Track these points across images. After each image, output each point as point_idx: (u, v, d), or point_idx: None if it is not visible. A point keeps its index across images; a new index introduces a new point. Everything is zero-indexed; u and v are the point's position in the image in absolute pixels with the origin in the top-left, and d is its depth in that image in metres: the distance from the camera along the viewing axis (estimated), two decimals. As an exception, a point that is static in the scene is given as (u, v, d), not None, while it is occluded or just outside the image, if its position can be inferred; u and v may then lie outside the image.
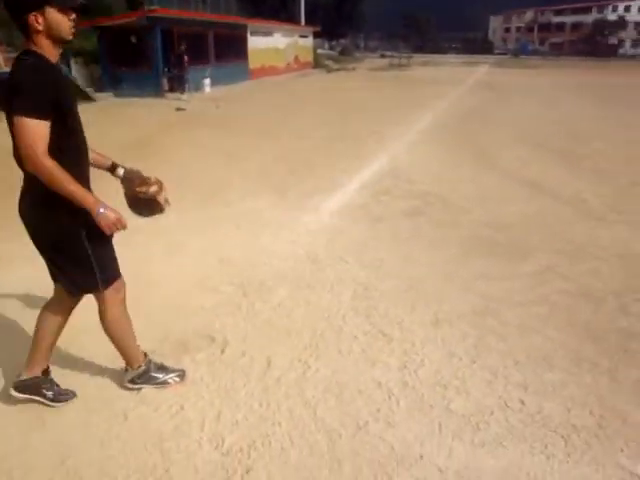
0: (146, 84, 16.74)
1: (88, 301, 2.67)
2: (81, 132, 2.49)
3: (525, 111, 14.45)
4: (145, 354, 2.95)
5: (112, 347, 2.81)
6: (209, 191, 6.77)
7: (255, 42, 24.59)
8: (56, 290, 2.70)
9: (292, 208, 6.02)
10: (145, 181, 2.76)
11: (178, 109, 14.11)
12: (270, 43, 26.74)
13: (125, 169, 2.80)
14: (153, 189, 2.75)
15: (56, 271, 2.58)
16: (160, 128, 11.52)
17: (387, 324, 3.56)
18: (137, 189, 2.74)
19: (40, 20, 2.27)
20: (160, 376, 2.94)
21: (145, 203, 2.78)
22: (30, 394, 2.77)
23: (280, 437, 2.58)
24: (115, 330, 2.74)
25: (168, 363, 3.05)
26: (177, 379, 2.98)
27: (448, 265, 4.50)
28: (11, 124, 2.22)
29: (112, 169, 2.77)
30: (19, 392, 2.77)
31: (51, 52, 2.36)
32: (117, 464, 2.45)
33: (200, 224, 5.54)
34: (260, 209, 6.00)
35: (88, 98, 15.32)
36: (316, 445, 2.53)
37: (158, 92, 16.91)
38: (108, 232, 2.41)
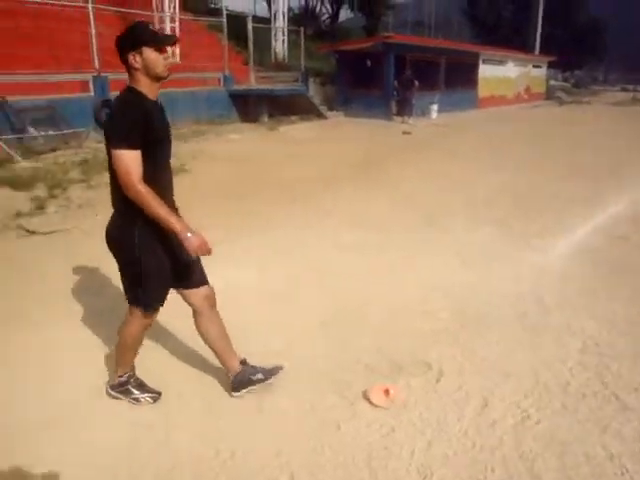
0: (375, 106, 17.44)
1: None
2: (167, 164, 2.71)
3: None
4: (132, 368, 3.06)
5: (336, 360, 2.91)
6: (430, 214, 6.78)
7: (486, 70, 24.17)
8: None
9: (516, 244, 5.73)
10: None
11: (404, 132, 14.43)
12: (501, 72, 26.06)
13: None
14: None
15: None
16: (387, 149, 11.89)
17: (622, 388, 3.17)
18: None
19: (138, 59, 2.53)
20: (136, 392, 3.03)
21: None
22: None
23: (493, 485, 2.44)
24: (126, 339, 2.93)
25: (380, 378, 3.10)
26: (150, 400, 3.02)
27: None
28: (109, 155, 2.49)
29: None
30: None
31: (149, 88, 2.59)
32: (325, 472, 2.52)
33: (419, 246, 5.57)
34: (482, 240, 5.82)
35: (321, 115, 16.43)
36: (533, 504, 2.35)
37: (386, 115, 17.49)
38: (194, 255, 2.58)
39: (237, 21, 17.76)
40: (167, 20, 15.37)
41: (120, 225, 2.68)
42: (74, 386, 3.17)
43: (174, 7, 15.73)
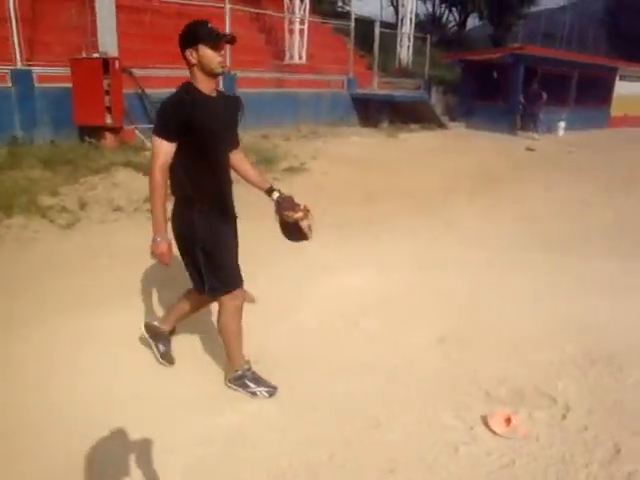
0: (499, 119, 16.84)
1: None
2: (216, 156, 2.85)
3: None
4: (248, 362, 3.14)
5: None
6: (551, 237, 6.45)
7: (622, 87, 22.59)
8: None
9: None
10: (293, 207, 3.00)
11: (528, 149, 13.84)
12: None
13: (280, 194, 3.06)
14: (298, 215, 2.99)
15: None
16: (510, 164, 11.46)
17: None
18: (284, 212, 2.99)
19: (194, 55, 2.73)
20: (252, 386, 3.10)
21: (291, 227, 3.04)
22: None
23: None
24: (224, 333, 3.03)
25: (501, 406, 2.98)
26: (266, 394, 3.08)
27: None
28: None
29: (269, 192, 3.10)
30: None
31: (204, 83, 2.77)
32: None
33: (541, 270, 5.31)
34: (609, 272, 5.41)
35: (442, 125, 16.13)
36: None
37: (510, 129, 16.86)
38: (152, 257, 2.76)
39: (363, 25, 17.84)
40: (297, 22, 15.72)
41: (179, 213, 2.86)
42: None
43: (304, 9, 16.06)
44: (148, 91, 10.72)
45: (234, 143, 3.07)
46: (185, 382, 3.23)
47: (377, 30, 16.99)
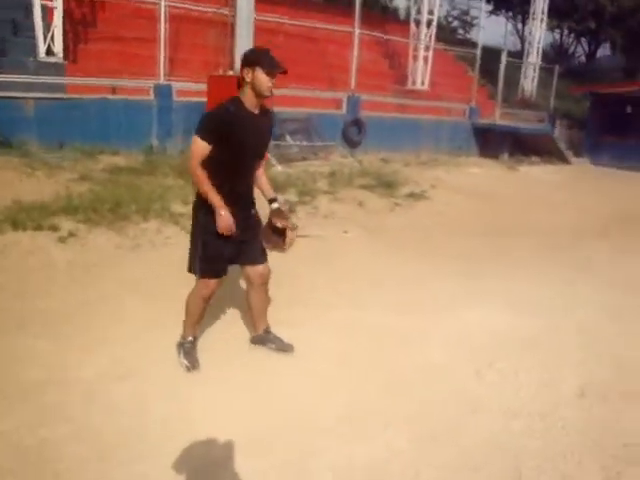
0: (629, 156, 15.78)
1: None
2: (238, 167, 3.22)
3: None
4: (193, 337, 3.47)
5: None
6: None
7: None
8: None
9: None
10: (285, 219, 3.36)
11: (664, 190, 12.86)
12: None
13: (279, 204, 3.42)
14: (287, 225, 3.33)
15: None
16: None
17: None
18: (273, 219, 3.33)
19: (250, 75, 3.09)
20: (181, 356, 3.41)
21: (274, 234, 3.36)
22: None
23: None
24: (186, 306, 3.40)
25: None
26: (185, 367, 3.36)
27: None
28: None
29: (270, 201, 3.43)
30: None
31: (251, 101, 3.16)
32: None
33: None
34: None
35: (565, 160, 15.40)
36: None
37: (642, 167, 15.78)
38: (220, 230, 3.13)
39: (485, 53, 17.47)
40: (421, 48, 15.68)
41: (193, 207, 3.33)
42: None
43: (430, 36, 16.02)
44: (275, 109, 11.05)
45: (262, 155, 3.44)
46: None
47: (504, 59, 16.57)
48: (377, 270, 5.66)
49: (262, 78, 3.09)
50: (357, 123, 12.48)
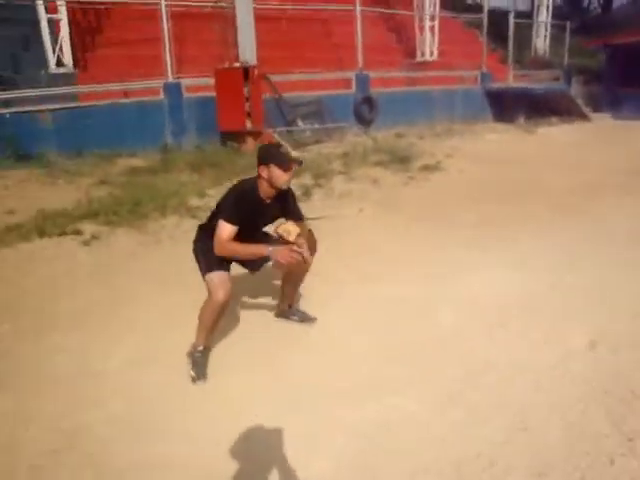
0: (649, 107, 15.43)
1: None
2: (251, 234, 3.39)
3: None
4: (204, 347, 3.41)
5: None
6: None
7: None
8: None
9: None
10: (290, 232, 3.34)
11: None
12: None
13: (292, 222, 3.47)
14: (290, 237, 3.34)
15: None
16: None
17: None
18: (279, 228, 3.41)
19: (265, 172, 3.29)
20: (191, 365, 3.37)
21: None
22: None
23: None
24: (201, 313, 3.37)
25: None
26: (191, 376, 3.31)
27: None
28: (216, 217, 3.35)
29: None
30: None
31: (266, 193, 3.37)
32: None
33: None
34: None
35: (584, 117, 15.11)
36: None
37: (665, 118, 15.38)
38: (285, 263, 3.24)
39: (495, 17, 17.15)
40: (427, 19, 15.52)
41: (194, 240, 3.57)
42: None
43: (434, 5, 15.82)
44: (285, 95, 11.17)
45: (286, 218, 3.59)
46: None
47: (511, 20, 16.27)
48: (391, 244, 5.77)
49: (278, 174, 3.28)
50: (368, 101, 12.47)
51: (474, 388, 3.16)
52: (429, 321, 4.00)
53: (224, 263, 3.40)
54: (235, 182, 3.57)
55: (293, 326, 4.01)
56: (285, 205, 3.56)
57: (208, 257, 3.38)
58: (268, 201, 3.42)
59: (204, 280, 3.39)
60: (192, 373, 3.35)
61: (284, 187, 3.35)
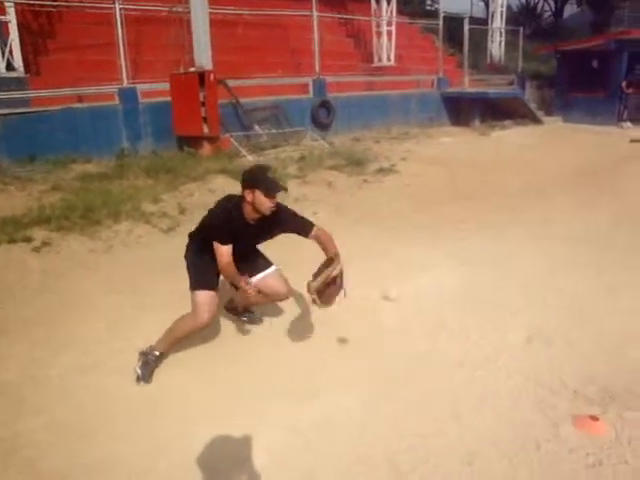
0: (599, 111, 15.97)
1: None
2: (241, 251, 3.37)
3: None
4: (160, 353, 3.41)
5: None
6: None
7: None
8: None
9: None
10: (309, 287, 3.19)
11: (633, 141, 13.01)
12: None
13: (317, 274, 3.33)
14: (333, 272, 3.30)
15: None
16: (612, 158, 10.83)
17: None
18: (325, 267, 3.31)
19: (250, 197, 3.22)
20: (140, 365, 3.37)
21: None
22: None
23: None
24: (177, 323, 3.39)
25: (588, 405, 2.94)
26: (136, 374, 3.34)
27: None
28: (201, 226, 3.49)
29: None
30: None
31: (250, 215, 3.31)
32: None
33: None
34: None
35: (537, 120, 15.58)
36: None
37: (612, 120, 15.93)
38: (248, 295, 3.21)
39: (452, 22, 17.53)
40: (384, 24, 15.76)
41: (186, 249, 3.56)
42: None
43: (391, 11, 16.08)
44: (242, 100, 11.20)
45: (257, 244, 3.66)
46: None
47: (466, 27, 16.66)
48: (343, 246, 5.85)
49: (262, 200, 3.21)
50: (325, 105, 12.58)
51: (409, 384, 3.28)
52: (373, 319, 4.12)
53: (214, 278, 3.42)
54: (219, 199, 3.52)
55: (240, 326, 4.08)
56: (282, 225, 3.46)
57: (198, 272, 3.41)
58: (253, 222, 3.37)
59: (191, 293, 3.39)
60: (138, 371, 3.36)
61: (267, 213, 3.26)
